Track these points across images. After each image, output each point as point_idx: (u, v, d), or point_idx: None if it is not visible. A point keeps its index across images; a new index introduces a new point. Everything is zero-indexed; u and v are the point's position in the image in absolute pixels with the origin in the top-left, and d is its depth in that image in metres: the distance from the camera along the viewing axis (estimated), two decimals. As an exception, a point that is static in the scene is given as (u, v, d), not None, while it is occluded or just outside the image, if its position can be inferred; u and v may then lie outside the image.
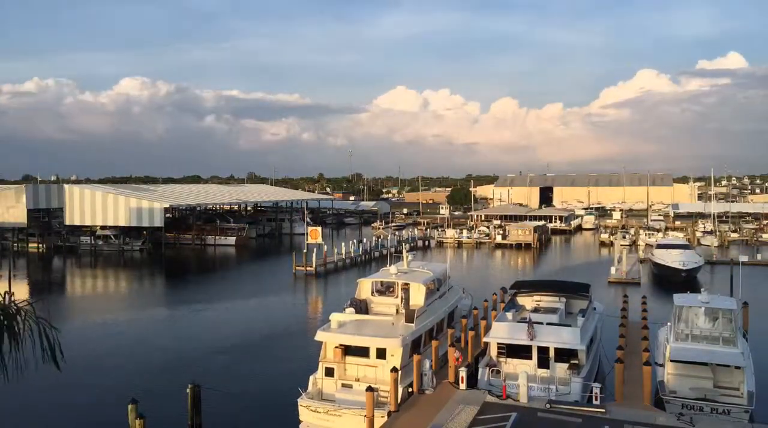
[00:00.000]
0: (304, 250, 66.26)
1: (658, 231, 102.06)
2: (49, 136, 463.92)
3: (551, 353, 24.00)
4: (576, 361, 23.88)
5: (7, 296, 8.17)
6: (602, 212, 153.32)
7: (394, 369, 22.10)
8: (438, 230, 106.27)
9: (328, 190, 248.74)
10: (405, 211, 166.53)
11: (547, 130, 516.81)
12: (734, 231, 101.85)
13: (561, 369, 23.86)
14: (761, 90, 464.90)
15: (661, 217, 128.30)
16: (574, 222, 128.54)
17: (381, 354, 23.94)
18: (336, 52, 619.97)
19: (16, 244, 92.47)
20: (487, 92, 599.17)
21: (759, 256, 72.46)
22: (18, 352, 7.74)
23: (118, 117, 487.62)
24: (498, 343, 24.88)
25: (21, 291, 51.96)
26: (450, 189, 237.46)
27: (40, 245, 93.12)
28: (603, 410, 20.98)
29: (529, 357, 24.17)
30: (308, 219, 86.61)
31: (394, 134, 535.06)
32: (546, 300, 30.13)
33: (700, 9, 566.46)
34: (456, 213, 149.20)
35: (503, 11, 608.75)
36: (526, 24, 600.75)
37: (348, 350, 24.29)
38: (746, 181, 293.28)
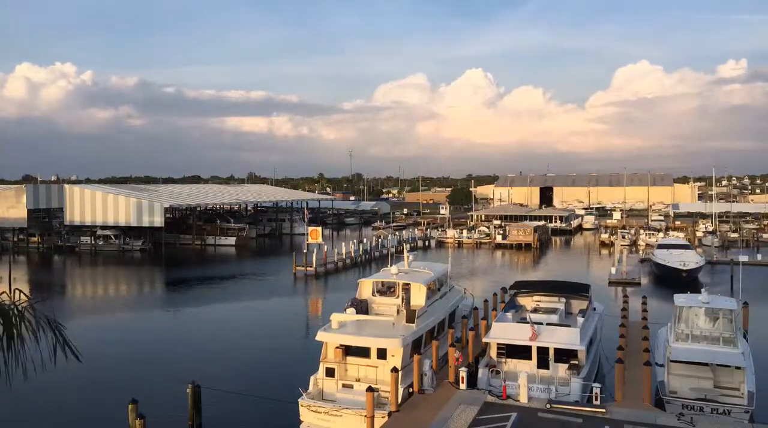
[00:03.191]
0: (305, 250, 66.24)
1: (659, 231, 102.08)
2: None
3: (551, 353, 24.01)
4: (576, 361, 23.89)
5: (15, 293, 8.16)
6: (602, 212, 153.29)
7: (394, 370, 22.10)
8: (438, 230, 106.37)
9: (328, 190, 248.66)
10: (405, 211, 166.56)
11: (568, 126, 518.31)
12: (734, 231, 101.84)
13: (561, 369, 23.88)
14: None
15: (662, 217, 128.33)
16: (575, 222, 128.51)
17: (382, 354, 23.95)
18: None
19: (16, 244, 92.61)
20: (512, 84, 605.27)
21: (759, 256, 72.41)
22: (23, 352, 7.72)
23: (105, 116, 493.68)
24: (498, 343, 24.90)
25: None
26: (450, 189, 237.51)
27: (41, 245, 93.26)
28: (603, 410, 21.00)
29: (529, 358, 24.18)
30: (308, 218, 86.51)
31: (397, 132, 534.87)
32: (546, 300, 30.11)
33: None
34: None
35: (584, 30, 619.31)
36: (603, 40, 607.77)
37: (349, 350, 24.31)
38: (746, 180, 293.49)
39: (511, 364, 24.39)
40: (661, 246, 66.34)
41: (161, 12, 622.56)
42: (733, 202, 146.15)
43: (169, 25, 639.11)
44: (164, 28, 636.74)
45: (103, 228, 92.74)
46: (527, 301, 30.21)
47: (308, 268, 65.25)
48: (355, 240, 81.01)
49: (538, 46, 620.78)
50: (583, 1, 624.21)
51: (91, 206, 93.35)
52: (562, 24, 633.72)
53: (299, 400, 23.06)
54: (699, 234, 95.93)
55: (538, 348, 24.05)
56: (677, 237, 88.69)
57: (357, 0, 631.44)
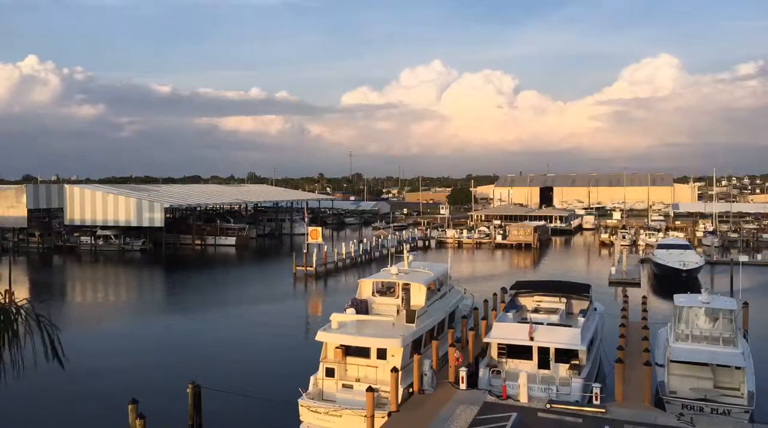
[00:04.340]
0: (305, 250, 66.21)
1: (659, 231, 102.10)
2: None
3: (552, 353, 24.00)
4: (576, 361, 23.88)
5: (7, 295, 8.15)
6: (602, 212, 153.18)
7: (394, 370, 22.10)
8: (438, 230, 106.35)
9: (328, 190, 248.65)
10: (405, 211, 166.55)
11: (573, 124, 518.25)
12: (734, 231, 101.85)
13: (562, 369, 23.87)
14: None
15: (662, 217, 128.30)
16: (575, 222, 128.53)
17: (382, 354, 23.94)
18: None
19: (16, 244, 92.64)
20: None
21: (759, 256, 72.39)
22: (18, 352, 7.71)
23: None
24: (498, 343, 24.90)
25: (21, 292, 51.92)
26: (450, 189, 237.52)
27: (41, 245, 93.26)
28: (603, 410, 21.00)
29: (530, 358, 24.18)
30: (308, 218, 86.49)
31: (397, 132, 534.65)
32: (546, 300, 30.09)
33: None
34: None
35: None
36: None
37: (349, 350, 24.30)
38: (746, 181, 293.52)
39: (512, 364, 24.38)
40: (661, 246, 66.30)
41: (193, 17, 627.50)
42: (733, 202, 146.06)
43: (195, 30, 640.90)
44: (186, 32, 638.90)
45: (103, 228, 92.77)
46: (528, 301, 30.19)
47: (308, 268, 65.23)
48: (355, 241, 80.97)
49: (545, 49, 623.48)
50: (609, 10, 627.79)
51: (91, 206, 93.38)
52: (578, 31, 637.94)
53: (299, 400, 23.05)
54: (699, 234, 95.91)
55: (539, 348, 24.05)
56: (677, 237, 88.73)
57: (387, 7, 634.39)
